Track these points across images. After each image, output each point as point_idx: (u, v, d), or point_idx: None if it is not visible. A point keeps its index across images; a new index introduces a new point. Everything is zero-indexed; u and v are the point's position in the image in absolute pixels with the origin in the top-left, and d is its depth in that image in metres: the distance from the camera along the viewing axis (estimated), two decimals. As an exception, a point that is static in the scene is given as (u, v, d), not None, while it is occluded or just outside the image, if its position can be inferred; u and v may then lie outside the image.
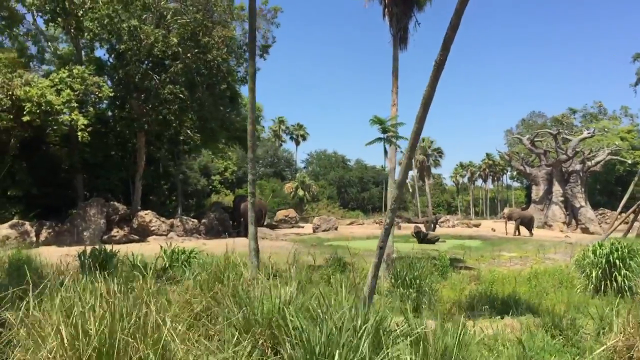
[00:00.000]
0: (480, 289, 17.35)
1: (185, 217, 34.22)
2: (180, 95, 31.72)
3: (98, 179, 34.57)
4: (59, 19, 32.33)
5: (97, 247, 16.71)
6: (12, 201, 31.04)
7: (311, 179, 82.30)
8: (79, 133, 28.36)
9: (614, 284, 17.60)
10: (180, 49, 31.11)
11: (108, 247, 26.31)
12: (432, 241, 32.07)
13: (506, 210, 43.73)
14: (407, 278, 16.41)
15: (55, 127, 28.83)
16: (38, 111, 27.49)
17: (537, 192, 62.13)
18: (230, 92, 36.96)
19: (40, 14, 32.81)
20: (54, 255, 18.94)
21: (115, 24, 30.16)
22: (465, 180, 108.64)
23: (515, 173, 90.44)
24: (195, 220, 34.55)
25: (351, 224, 54.48)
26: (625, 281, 17.54)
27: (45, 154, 32.23)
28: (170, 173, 37.95)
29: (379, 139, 17.33)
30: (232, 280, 7.64)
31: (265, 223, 42.27)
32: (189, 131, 34.63)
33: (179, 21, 31.94)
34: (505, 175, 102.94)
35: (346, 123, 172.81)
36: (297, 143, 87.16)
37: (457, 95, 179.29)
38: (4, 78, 27.54)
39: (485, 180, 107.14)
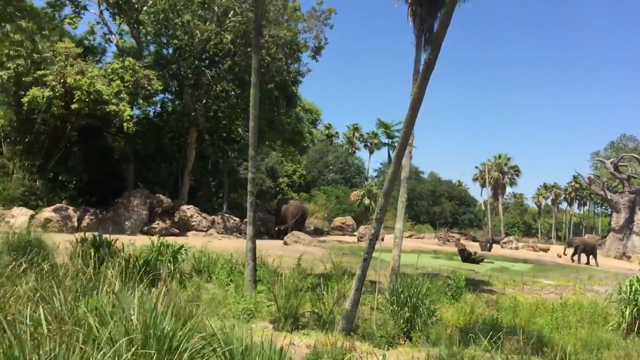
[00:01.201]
0: (487, 315, 15.90)
1: (227, 215, 34.14)
2: (232, 93, 31.75)
3: (149, 170, 35.20)
4: (123, 13, 33.31)
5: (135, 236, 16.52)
6: (63, 186, 32.01)
7: (380, 188, 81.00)
8: (125, 124, 28.90)
9: None
10: (232, 47, 31.14)
11: (144, 237, 26.68)
12: (477, 261, 30.26)
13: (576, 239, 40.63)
14: (402, 295, 15.30)
15: (101, 116, 29.40)
16: (87, 100, 28.28)
17: (618, 220, 57.80)
18: (286, 93, 36.68)
19: (106, 6, 33.97)
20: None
21: (170, 19, 30.59)
22: (549, 202, 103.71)
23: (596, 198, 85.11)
24: (237, 219, 34.41)
25: (410, 236, 52.88)
26: (662, 322, 15.59)
27: (98, 143, 33.12)
28: (219, 170, 38.12)
29: (384, 144, 16.17)
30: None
31: (311, 227, 41.70)
32: (239, 129, 34.62)
33: (232, 19, 32.00)
34: (592, 201, 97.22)
35: (422, 135, 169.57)
36: (371, 151, 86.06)
37: (544, 115, 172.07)
38: (59, 67, 28.53)
39: (570, 204, 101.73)
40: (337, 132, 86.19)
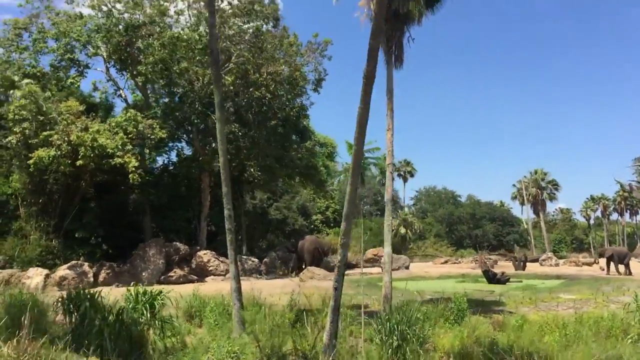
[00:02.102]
0: (486, 338, 14.79)
1: (245, 257, 33.76)
2: (239, 134, 31.70)
3: (165, 219, 35.22)
4: (127, 67, 33.91)
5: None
6: (80, 243, 32.23)
7: (418, 216, 79.54)
8: (130, 175, 29.01)
9: None
10: (232, 88, 31.20)
11: (161, 287, 26.32)
12: (502, 281, 28.82)
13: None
14: (388, 323, 14.42)
15: (113, 170, 29.64)
16: (92, 155, 28.60)
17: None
18: (297, 128, 36.51)
19: (112, 62, 34.69)
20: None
21: (169, 67, 30.93)
22: (599, 214, 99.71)
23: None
24: (256, 260, 33.96)
25: (446, 262, 51.34)
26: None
27: (112, 197, 33.35)
28: (238, 213, 37.86)
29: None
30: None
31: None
32: (252, 169, 34.43)
33: (234, 60, 32.14)
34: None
35: (457, 158, 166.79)
36: (405, 180, 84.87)
37: (584, 125, 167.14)
38: (62, 125, 29.02)
39: (621, 214, 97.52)
40: (368, 164, 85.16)
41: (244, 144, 31.99)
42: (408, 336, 13.83)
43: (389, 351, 13.80)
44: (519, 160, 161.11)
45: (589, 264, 47.75)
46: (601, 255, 34.50)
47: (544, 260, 46.04)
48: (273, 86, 31.22)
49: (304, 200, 63.97)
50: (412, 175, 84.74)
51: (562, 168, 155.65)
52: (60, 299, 14.83)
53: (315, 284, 28.78)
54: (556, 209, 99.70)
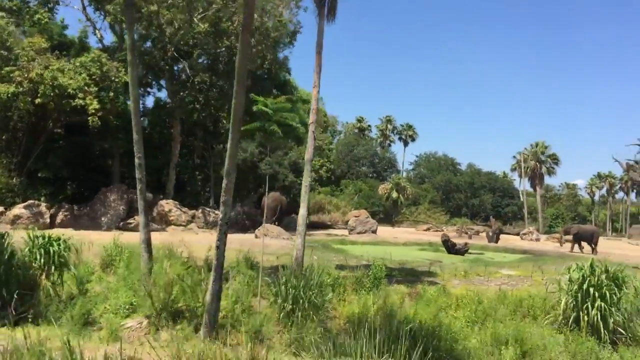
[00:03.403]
0: (384, 308, 14.25)
1: (208, 209, 33.27)
2: (204, 83, 30.82)
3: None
4: (103, 7, 32.88)
5: None
6: (43, 183, 31.87)
7: (416, 182, 78.59)
8: (90, 118, 28.39)
9: (586, 317, 13.85)
10: (201, 36, 30.19)
11: (117, 233, 26.05)
12: (461, 252, 28.13)
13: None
14: (283, 287, 13.97)
15: (72, 111, 29.00)
16: (52, 94, 27.97)
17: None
18: (276, 81, 35.52)
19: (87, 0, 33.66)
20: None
21: (138, 9, 29.86)
22: (604, 192, 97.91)
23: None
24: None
25: (428, 229, 50.62)
26: (597, 317, 13.72)
27: (79, 139, 32.71)
28: (207, 164, 37.32)
29: (259, 126, 14.70)
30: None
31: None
32: (225, 121, 33.66)
33: (215, 7, 30.97)
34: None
35: (460, 124, 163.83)
36: (406, 144, 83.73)
37: (595, 100, 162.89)
38: (22, 62, 28.34)
39: (627, 194, 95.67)
40: (369, 125, 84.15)
41: (211, 94, 31.11)
42: (300, 300, 13.42)
43: (281, 314, 13.43)
44: (526, 132, 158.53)
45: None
46: (566, 233, 33.55)
47: (524, 234, 45.16)
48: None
49: (297, 157, 63.17)
50: (413, 140, 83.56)
51: (572, 143, 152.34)
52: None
53: (266, 241, 28.28)
54: (562, 184, 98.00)
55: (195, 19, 30.63)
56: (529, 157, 69.12)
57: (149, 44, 32.73)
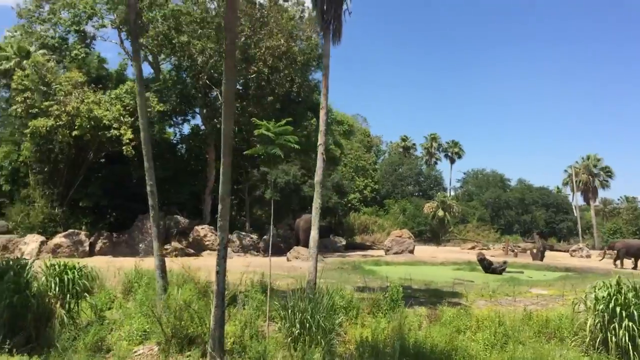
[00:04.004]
0: (396, 332, 13.90)
1: (243, 234, 33.53)
2: (237, 110, 31.27)
3: (170, 192, 35.38)
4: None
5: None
6: (84, 213, 32.88)
7: (463, 199, 77.25)
8: (124, 147, 29.17)
9: (614, 338, 13.22)
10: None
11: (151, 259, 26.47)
12: (497, 271, 27.28)
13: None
14: (289, 311, 13.82)
15: (108, 141, 29.91)
16: (88, 126, 28.94)
17: None
18: (308, 104, 35.79)
19: (124, 34, 34.81)
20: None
21: (170, 40, 30.75)
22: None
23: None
24: (255, 237, 33.71)
25: (473, 248, 49.46)
26: (626, 338, 13.10)
27: (117, 168, 33.64)
28: (241, 187, 37.66)
29: (267, 149, 14.68)
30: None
31: (342, 242, 40.16)
32: (258, 145, 33.96)
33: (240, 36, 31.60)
34: None
35: (509, 139, 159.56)
36: (452, 161, 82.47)
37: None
38: (61, 96, 29.46)
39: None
40: (414, 144, 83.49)
41: (243, 120, 31.52)
42: (307, 324, 13.24)
43: (289, 339, 13.26)
44: (578, 145, 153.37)
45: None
46: (611, 248, 32.13)
47: (574, 250, 43.59)
48: (271, 61, 30.47)
49: (340, 177, 63.20)
50: (459, 157, 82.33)
51: (634, 155, 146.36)
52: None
53: (296, 264, 28.28)
54: (621, 197, 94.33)
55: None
56: (581, 170, 67.01)
57: (183, 74, 33.51)
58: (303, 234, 31.29)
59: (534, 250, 36.91)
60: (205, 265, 21.82)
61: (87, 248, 30.61)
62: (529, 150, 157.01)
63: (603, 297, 13.80)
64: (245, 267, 20.24)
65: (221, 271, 11.87)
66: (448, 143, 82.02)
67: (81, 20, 33.15)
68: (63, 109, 29.03)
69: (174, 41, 30.36)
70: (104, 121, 28.98)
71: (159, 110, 30.60)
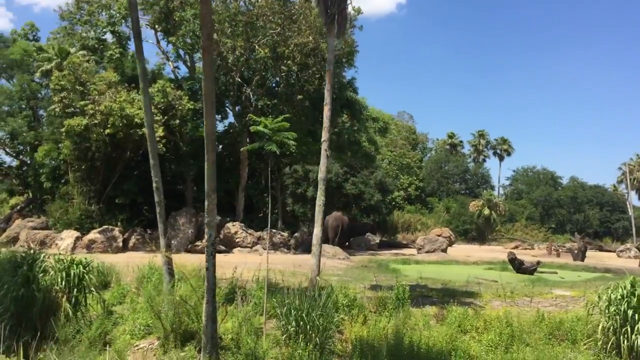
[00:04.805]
0: (393, 331, 13.63)
1: (274, 231, 33.58)
2: (265, 107, 31.43)
3: (203, 190, 35.70)
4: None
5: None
6: (120, 209, 33.64)
7: (512, 197, 75.35)
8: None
9: (626, 342, 12.74)
10: (264, 61, 30.88)
11: (188, 256, 27.09)
12: (529, 271, 26.36)
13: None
14: (285, 308, 13.76)
15: (137, 139, 30.48)
16: (120, 124, 29.56)
17: None
18: (341, 100, 35.51)
19: (159, 33, 35.45)
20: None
21: (200, 38, 31.00)
22: None
23: None
24: (286, 234, 33.72)
25: (516, 247, 48.06)
26: (638, 341, 12.63)
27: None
28: (275, 185, 37.68)
29: (263, 144, 14.63)
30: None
31: (376, 240, 39.66)
32: (291, 142, 33.96)
33: (271, 31, 31.63)
34: None
35: (560, 136, 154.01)
36: (501, 158, 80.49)
37: None
38: (94, 95, 30.23)
39: None
40: (461, 141, 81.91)
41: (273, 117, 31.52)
42: (301, 323, 13.18)
43: (284, 336, 13.25)
44: (632, 142, 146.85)
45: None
46: (645, 247, 30.62)
47: (621, 251, 41.83)
48: (299, 58, 30.36)
49: (383, 175, 62.60)
50: (508, 154, 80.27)
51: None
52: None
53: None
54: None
55: (255, 45, 31.34)
56: (635, 167, 64.24)
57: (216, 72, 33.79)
58: (332, 232, 31.17)
59: (575, 250, 35.57)
60: (228, 261, 21.98)
61: (121, 244, 31.25)
62: (581, 147, 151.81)
63: (616, 298, 13.22)
64: (279, 264, 20.43)
65: (210, 267, 11.88)
66: (497, 140, 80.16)
67: (116, 21, 33.91)
68: (97, 107, 29.75)
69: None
70: (136, 119, 29.50)
71: (189, 109, 30.94)
